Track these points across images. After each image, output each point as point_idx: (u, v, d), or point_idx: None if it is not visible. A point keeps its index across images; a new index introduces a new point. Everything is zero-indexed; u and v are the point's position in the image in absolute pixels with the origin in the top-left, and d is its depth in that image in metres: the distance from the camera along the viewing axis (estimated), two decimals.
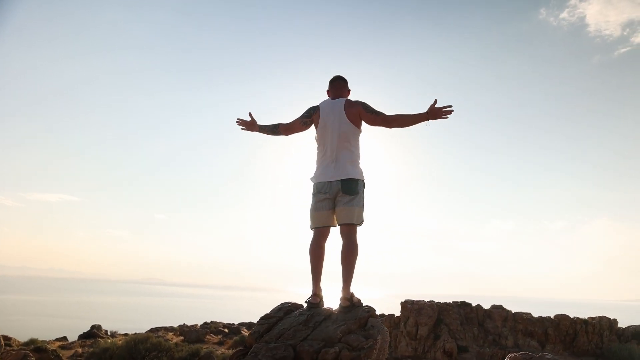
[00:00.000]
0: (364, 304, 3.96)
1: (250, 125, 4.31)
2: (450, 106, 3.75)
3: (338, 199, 3.93)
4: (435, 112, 3.74)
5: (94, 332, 24.90)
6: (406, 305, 18.00)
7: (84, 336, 24.06)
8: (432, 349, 16.69)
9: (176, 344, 19.60)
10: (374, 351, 3.38)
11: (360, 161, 4.10)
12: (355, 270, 3.93)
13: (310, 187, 4.19)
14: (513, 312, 20.05)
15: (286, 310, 3.97)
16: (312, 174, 4.17)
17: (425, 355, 16.54)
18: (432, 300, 18.30)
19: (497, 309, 19.65)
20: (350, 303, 3.85)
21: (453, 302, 18.85)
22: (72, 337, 23.57)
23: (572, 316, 20.50)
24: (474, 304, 19.34)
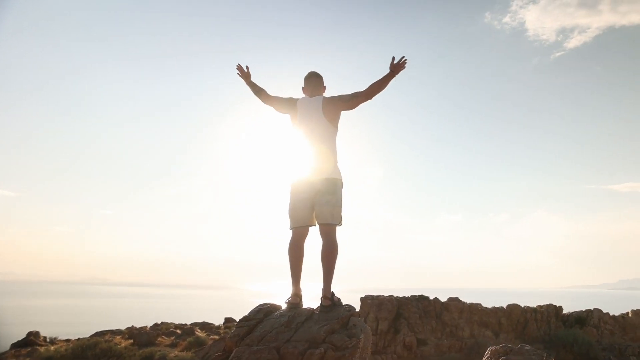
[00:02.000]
0: (341, 302, 3.85)
1: (246, 76, 4.45)
2: (403, 57, 3.93)
3: (317, 199, 3.87)
4: (397, 66, 3.90)
5: (31, 340, 23.13)
6: (366, 300, 18.13)
7: (18, 345, 22.27)
8: (392, 343, 16.89)
9: (126, 347, 18.71)
10: (358, 350, 3.27)
11: (337, 161, 4.05)
12: (335, 269, 3.88)
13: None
14: (468, 304, 20.70)
15: (266, 311, 3.78)
16: (289, 172, 4.13)
17: (386, 349, 16.71)
18: (392, 295, 18.53)
19: (454, 301, 20.21)
20: (331, 302, 3.77)
21: (412, 296, 19.18)
22: (4, 346, 21.79)
23: (522, 305, 21.48)
24: (431, 297, 19.78)
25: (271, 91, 4.39)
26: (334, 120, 4.02)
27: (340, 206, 3.90)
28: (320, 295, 3.81)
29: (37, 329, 24.72)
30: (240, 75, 4.48)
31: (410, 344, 16.54)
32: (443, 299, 19.92)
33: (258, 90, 4.40)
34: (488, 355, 3.26)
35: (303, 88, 4.30)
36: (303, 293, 3.98)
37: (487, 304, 21.79)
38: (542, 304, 22.42)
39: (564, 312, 22.21)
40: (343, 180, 4.02)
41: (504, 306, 21.38)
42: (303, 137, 4.02)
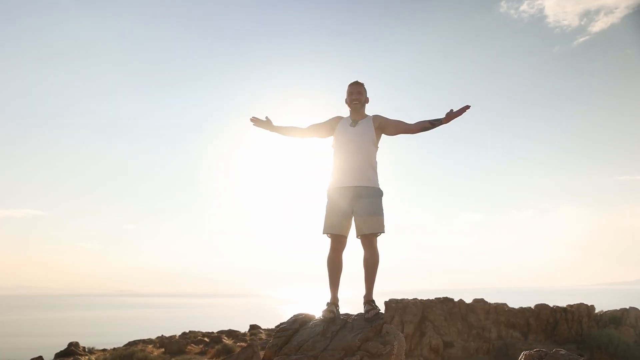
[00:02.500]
0: (380, 309, 4.04)
1: (267, 125, 4.32)
2: (467, 106, 3.88)
3: (358, 208, 3.96)
4: (453, 117, 3.90)
5: (72, 350, 24.14)
6: (391, 304, 18.26)
7: (61, 354, 23.27)
8: (418, 347, 16.98)
9: (159, 356, 19.25)
10: (392, 356, 3.48)
11: (376, 169, 4.18)
12: (376, 277, 4.05)
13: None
14: (494, 304, 20.58)
15: (301, 321, 4.01)
16: (330, 179, 4.21)
17: (412, 352, 16.82)
18: (416, 298, 18.62)
19: (479, 302, 20.14)
20: (372, 307, 3.93)
21: (436, 298, 19.23)
22: (49, 356, 22.76)
23: (551, 305, 21.17)
24: (456, 299, 19.77)
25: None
26: (378, 137, 4.18)
27: (382, 215, 4.00)
28: (362, 301, 3.99)
29: (75, 340, 25.72)
30: (259, 126, 4.35)
31: (437, 347, 16.61)
32: (468, 300, 19.89)
33: (288, 131, 4.35)
34: (522, 359, 3.43)
35: (347, 98, 4.30)
36: (340, 300, 4.12)
37: (514, 304, 21.58)
38: (572, 303, 22.05)
39: (597, 311, 21.74)
40: (382, 190, 4.11)
41: (532, 306, 21.16)
42: (346, 148, 4.11)
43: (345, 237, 4.07)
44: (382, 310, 4.03)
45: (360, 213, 3.95)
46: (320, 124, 4.35)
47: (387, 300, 18.63)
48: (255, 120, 4.34)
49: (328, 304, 4.04)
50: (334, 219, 4.02)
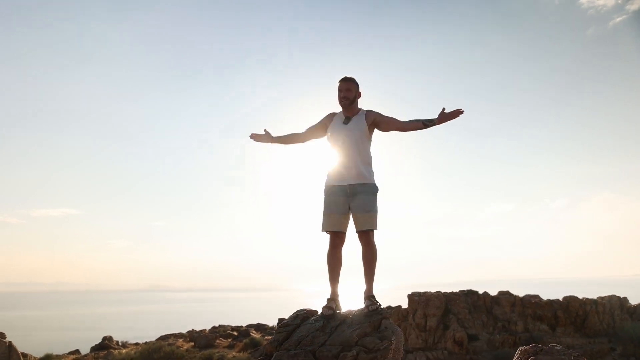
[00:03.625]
0: (381, 304, 4.07)
1: (267, 138, 4.42)
2: (461, 110, 3.92)
3: (354, 205, 4.02)
4: (445, 118, 3.91)
5: (106, 344, 25.11)
6: (413, 297, 18.19)
7: (96, 348, 24.23)
8: (442, 340, 16.89)
9: (187, 350, 19.79)
10: (390, 352, 3.51)
11: (372, 166, 4.21)
12: (376, 271, 4.09)
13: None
14: (521, 296, 20.24)
15: (302, 317, 4.10)
16: (326, 177, 4.26)
17: (436, 346, 16.73)
18: (439, 291, 18.48)
19: (505, 294, 19.84)
20: (371, 302, 3.98)
21: (460, 291, 19.04)
22: (85, 349, 23.75)
23: (580, 296, 20.66)
24: (480, 292, 19.53)
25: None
26: (370, 132, 4.18)
27: (376, 211, 4.04)
28: (363, 297, 4.03)
29: (110, 334, 26.76)
30: (259, 141, 4.44)
31: (461, 340, 16.48)
32: (493, 292, 19.62)
33: (287, 140, 4.43)
34: (518, 355, 3.41)
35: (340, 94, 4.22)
36: (341, 294, 4.18)
37: (544, 296, 21.15)
38: (603, 295, 21.49)
39: (630, 303, 21.15)
40: (378, 186, 4.14)
41: (560, 298, 20.73)
42: (339, 146, 4.14)
43: (344, 234, 4.14)
44: (382, 305, 4.06)
45: (355, 210, 4.02)
46: (315, 125, 4.38)
47: (410, 293, 18.57)
48: (254, 136, 4.44)
49: (328, 299, 4.11)
50: (332, 217, 4.10)
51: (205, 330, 28.76)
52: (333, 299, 4.11)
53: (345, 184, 4.08)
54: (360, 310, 3.99)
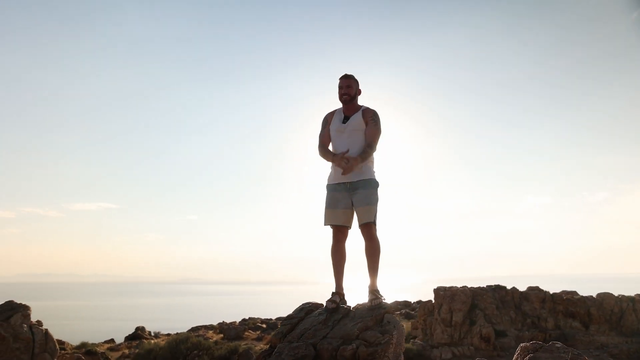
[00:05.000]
0: (385, 298, 4.07)
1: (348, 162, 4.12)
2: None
3: (355, 199, 4.05)
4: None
5: (139, 334, 25.96)
6: (438, 291, 17.97)
7: (129, 338, 25.12)
8: (468, 335, 16.64)
9: (216, 342, 20.21)
10: (391, 346, 3.51)
11: (372, 161, 4.22)
12: (379, 265, 4.09)
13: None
14: (551, 292, 19.70)
15: (307, 310, 4.16)
16: (328, 174, 4.30)
17: (462, 341, 16.51)
18: (465, 286, 18.19)
19: (534, 290, 19.35)
20: (375, 296, 4.00)
21: (487, 286, 18.68)
22: (119, 339, 24.68)
23: (616, 294, 19.94)
24: (509, 287, 19.11)
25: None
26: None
27: (376, 205, 4.07)
28: (367, 291, 4.06)
29: (143, 324, 27.68)
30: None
31: (488, 335, 16.19)
32: (522, 288, 19.16)
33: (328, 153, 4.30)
34: (518, 352, 3.36)
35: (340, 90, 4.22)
36: (346, 289, 4.24)
37: (578, 291, 20.55)
38: None
39: None
40: (378, 181, 4.18)
41: (594, 295, 20.06)
42: (339, 144, 4.19)
43: (347, 228, 4.17)
44: (386, 300, 4.05)
45: (356, 204, 4.05)
46: (324, 132, 4.38)
47: (435, 287, 18.36)
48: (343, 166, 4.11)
49: (333, 293, 4.13)
50: (333, 211, 4.15)
51: (235, 322, 29.31)
52: (337, 293, 4.14)
53: (346, 181, 4.12)
54: (364, 305, 4.00)
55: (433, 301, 18.38)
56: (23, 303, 13.08)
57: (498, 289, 18.56)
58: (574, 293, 20.20)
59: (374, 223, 4.06)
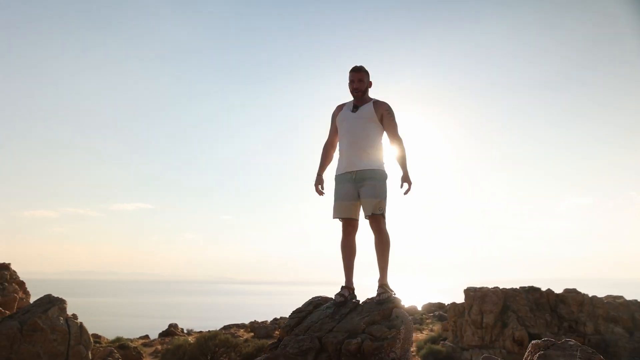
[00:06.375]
0: (394, 293, 3.96)
1: (321, 182, 4.31)
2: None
3: (363, 191, 3.98)
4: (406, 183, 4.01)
5: (172, 330, 26.65)
6: (469, 292, 17.52)
7: (163, 334, 25.85)
8: (500, 338, 16.15)
9: (245, 340, 20.43)
10: (398, 341, 3.40)
11: (381, 152, 4.12)
12: (389, 259, 4.00)
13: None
14: (590, 296, 18.89)
15: (316, 304, 4.10)
16: (337, 165, 4.23)
17: (493, 344, 16.04)
18: (497, 287, 17.66)
19: (571, 292, 18.59)
20: (384, 290, 3.91)
21: (520, 287, 18.07)
22: (153, 335, 25.41)
23: None
24: (544, 289, 18.42)
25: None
26: (381, 122, 4.11)
27: (384, 197, 3.98)
28: (376, 286, 3.96)
29: (177, 322, 28.41)
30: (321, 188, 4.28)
31: (521, 339, 15.65)
32: (559, 290, 18.42)
33: (327, 161, 4.35)
34: (530, 349, 3.22)
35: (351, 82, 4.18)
36: (356, 286, 4.13)
37: (624, 296, 19.66)
38: None
39: None
40: (387, 172, 4.09)
41: (639, 299, 19.13)
42: (346, 133, 4.12)
43: (356, 220, 4.10)
44: (396, 294, 3.93)
45: (363, 196, 3.97)
46: (331, 129, 4.34)
47: (465, 288, 17.92)
48: (319, 192, 4.29)
49: (342, 287, 4.07)
50: (341, 204, 4.07)
51: (266, 321, 29.61)
52: (347, 287, 4.06)
53: (352, 170, 4.03)
54: (372, 299, 3.91)
55: (463, 301, 17.93)
56: (59, 297, 13.63)
57: (532, 291, 17.90)
58: (619, 297, 19.35)
59: (383, 216, 3.97)
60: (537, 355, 3.03)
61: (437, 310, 33.91)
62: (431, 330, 24.88)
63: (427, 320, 29.46)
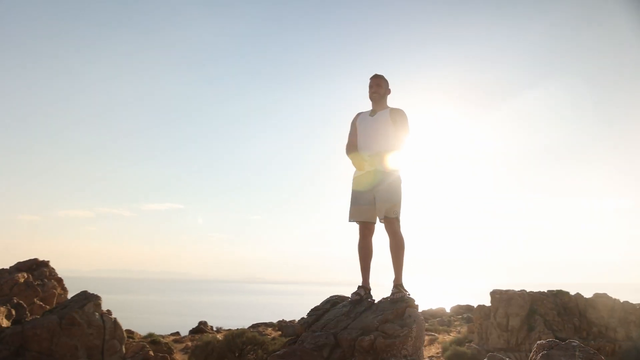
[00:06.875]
0: (409, 293, 4.12)
1: None
2: None
3: (378, 194, 4.15)
4: None
5: (201, 328, 27.38)
6: (495, 295, 17.37)
7: (193, 331, 26.61)
8: (526, 341, 15.96)
9: (273, 338, 20.81)
10: (410, 339, 3.59)
11: (397, 156, 4.27)
12: (404, 261, 4.18)
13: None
14: (622, 301, 18.41)
15: (333, 302, 4.34)
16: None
17: (519, 347, 15.87)
18: (523, 290, 17.43)
19: (602, 297, 18.17)
20: (398, 290, 4.10)
21: (548, 291, 17.77)
22: (184, 332, 26.20)
23: None
24: (573, 293, 18.06)
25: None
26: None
27: (399, 200, 4.14)
28: (392, 286, 4.14)
29: (206, 320, 29.17)
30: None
31: None
32: (588, 295, 18.01)
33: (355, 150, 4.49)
34: (535, 349, 3.36)
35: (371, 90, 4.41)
36: (373, 287, 4.34)
37: None
38: None
39: None
40: (402, 177, 4.24)
41: None
42: (364, 136, 4.34)
43: (372, 224, 4.29)
44: (410, 294, 4.12)
45: (378, 199, 4.16)
46: (351, 132, 4.56)
47: (491, 290, 17.76)
48: None
49: (358, 287, 4.28)
50: (358, 207, 4.28)
51: (294, 320, 30.00)
52: (363, 287, 4.28)
53: (370, 170, 4.24)
54: (387, 298, 4.11)
55: (488, 304, 17.78)
56: (95, 293, 14.32)
57: (560, 295, 17.59)
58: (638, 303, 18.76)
59: (397, 219, 4.15)
60: (540, 354, 3.16)
61: (465, 313, 33.57)
62: (458, 332, 24.71)
63: (455, 322, 29.22)
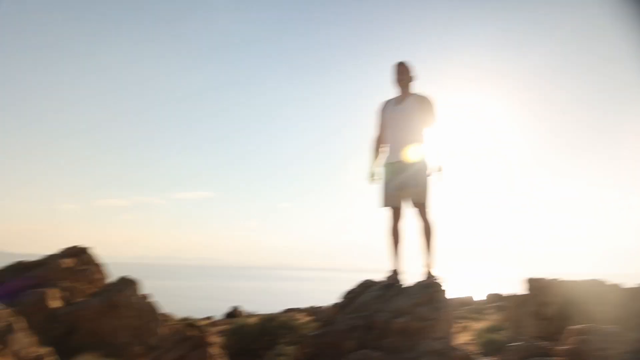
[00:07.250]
0: (440, 279, 4.16)
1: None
2: None
3: (406, 180, 4.22)
4: None
5: (235, 312, 28.17)
6: (530, 283, 17.02)
7: (227, 316, 27.41)
8: (562, 330, 15.64)
9: (304, 322, 21.15)
10: (441, 323, 3.67)
11: (424, 143, 4.31)
12: (436, 246, 4.23)
13: None
14: None
15: (367, 286, 4.44)
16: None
17: (554, 337, 15.56)
18: (559, 278, 17.01)
19: None
20: (429, 275, 4.16)
21: (585, 279, 17.28)
22: (218, 316, 27.00)
23: None
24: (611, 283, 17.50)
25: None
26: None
27: (426, 186, 4.20)
28: (423, 271, 4.21)
29: (239, 305, 30.01)
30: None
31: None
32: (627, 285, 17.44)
33: (378, 151, 4.60)
34: (570, 334, 3.34)
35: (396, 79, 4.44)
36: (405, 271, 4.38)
37: None
38: None
39: None
40: (430, 164, 4.27)
41: None
42: (391, 125, 4.40)
43: (401, 209, 4.36)
44: (440, 279, 4.16)
45: (406, 185, 4.22)
46: (377, 123, 4.60)
47: (527, 278, 17.40)
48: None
49: (390, 271, 4.35)
50: (386, 193, 4.36)
51: (324, 306, 30.46)
52: (394, 271, 4.35)
53: (397, 160, 4.31)
54: (418, 283, 4.17)
55: (526, 292, 17.44)
56: (133, 278, 14.90)
57: (597, 284, 17.08)
58: None
59: (426, 204, 4.20)
60: (577, 339, 3.16)
61: (497, 301, 33.11)
62: (491, 320, 24.39)
63: (487, 310, 28.86)
